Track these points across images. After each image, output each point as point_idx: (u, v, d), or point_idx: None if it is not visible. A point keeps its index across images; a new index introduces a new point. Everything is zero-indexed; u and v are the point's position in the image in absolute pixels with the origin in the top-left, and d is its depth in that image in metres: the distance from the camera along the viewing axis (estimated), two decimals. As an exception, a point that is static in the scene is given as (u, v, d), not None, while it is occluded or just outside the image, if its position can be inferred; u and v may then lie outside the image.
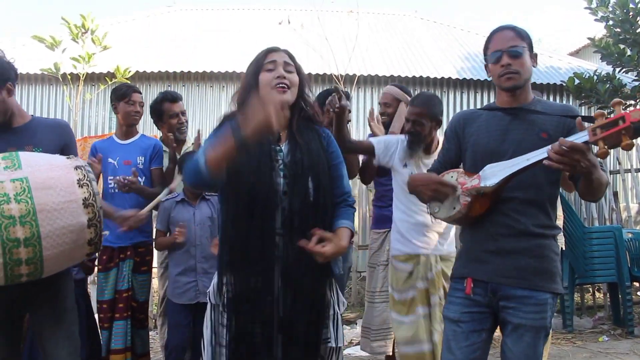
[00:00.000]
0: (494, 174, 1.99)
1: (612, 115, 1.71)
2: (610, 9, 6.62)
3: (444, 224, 3.10)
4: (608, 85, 6.60)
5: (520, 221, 2.04)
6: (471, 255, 2.16)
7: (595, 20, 6.82)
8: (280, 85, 2.04)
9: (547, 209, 2.09)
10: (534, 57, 2.16)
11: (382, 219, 3.73)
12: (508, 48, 2.08)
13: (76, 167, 2.22)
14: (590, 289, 6.38)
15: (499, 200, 2.05)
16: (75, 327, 2.53)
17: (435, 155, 3.10)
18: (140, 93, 3.66)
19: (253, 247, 1.96)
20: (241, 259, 1.99)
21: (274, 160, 2.01)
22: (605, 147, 1.70)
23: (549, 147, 1.81)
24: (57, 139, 2.50)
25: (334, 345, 2.09)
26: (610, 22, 6.67)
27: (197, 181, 1.93)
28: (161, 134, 3.75)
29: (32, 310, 2.45)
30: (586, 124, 1.80)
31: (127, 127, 3.61)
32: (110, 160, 3.48)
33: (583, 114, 1.72)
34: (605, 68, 7.47)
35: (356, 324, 5.62)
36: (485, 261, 2.09)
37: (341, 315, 2.19)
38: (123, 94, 3.57)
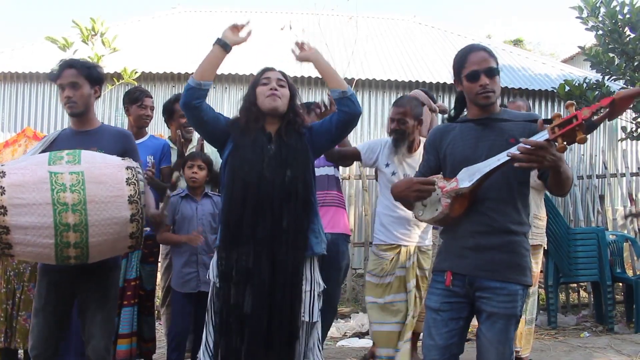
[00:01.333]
0: (469, 176, 2.23)
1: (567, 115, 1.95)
2: (600, 19, 6.73)
3: None
4: (597, 92, 6.72)
5: (496, 219, 2.27)
6: (451, 250, 2.38)
7: (586, 29, 6.93)
8: (272, 94, 2.59)
9: (518, 206, 2.31)
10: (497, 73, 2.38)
11: None
12: (485, 68, 2.27)
13: (127, 168, 2.54)
14: (577, 288, 6.60)
15: (476, 200, 2.28)
16: (113, 314, 2.88)
17: (416, 155, 3.47)
18: (152, 97, 3.90)
19: (245, 226, 2.44)
20: (234, 238, 2.46)
21: (266, 155, 2.51)
22: (564, 142, 1.94)
23: (516, 147, 2.05)
24: (118, 146, 2.84)
25: (307, 319, 2.50)
26: (600, 32, 6.78)
27: (189, 98, 2.52)
28: (169, 134, 3.99)
29: (83, 292, 2.76)
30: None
31: (138, 128, 3.84)
32: None
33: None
34: (595, 76, 7.62)
35: (350, 317, 5.86)
36: (464, 256, 2.30)
37: (318, 295, 2.59)
38: (136, 98, 3.84)
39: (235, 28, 2.64)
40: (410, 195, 2.36)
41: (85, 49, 5.87)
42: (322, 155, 3.73)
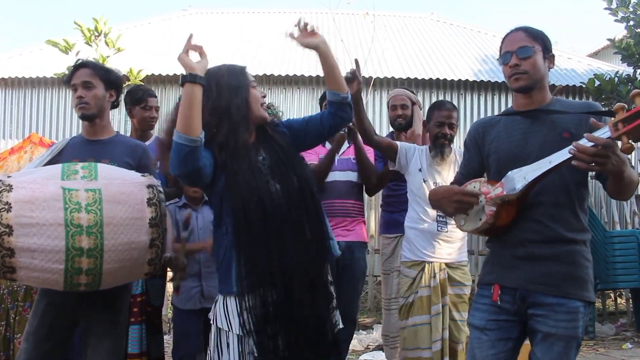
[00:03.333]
0: (517, 180, 1.93)
1: (633, 108, 1.62)
2: (631, 9, 6.51)
3: (454, 232, 3.13)
4: (630, 87, 6.48)
5: (550, 226, 1.97)
6: (499, 261, 2.09)
7: (616, 21, 6.71)
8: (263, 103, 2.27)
9: (577, 210, 2.01)
10: (549, 58, 2.09)
11: (393, 223, 3.73)
12: (517, 49, 2.04)
13: (148, 186, 2.28)
14: (612, 295, 6.26)
15: (526, 206, 1.98)
16: (123, 343, 2.59)
17: (449, 160, 3.22)
18: (156, 97, 3.65)
19: (269, 261, 2.03)
20: (260, 277, 2.03)
21: (263, 169, 2.13)
22: (630, 141, 1.63)
23: (571, 146, 1.73)
24: (133, 159, 2.60)
25: (341, 326, 2.26)
26: (631, 23, 6.55)
27: (185, 160, 1.95)
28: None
29: (87, 318, 2.45)
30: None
31: (142, 131, 3.61)
32: None
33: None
34: (626, 69, 7.35)
35: (372, 328, 5.57)
36: (513, 267, 2.02)
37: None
38: (139, 99, 3.57)
39: (191, 49, 2.11)
40: (448, 206, 2.10)
41: (89, 50, 5.69)
42: (349, 158, 3.50)
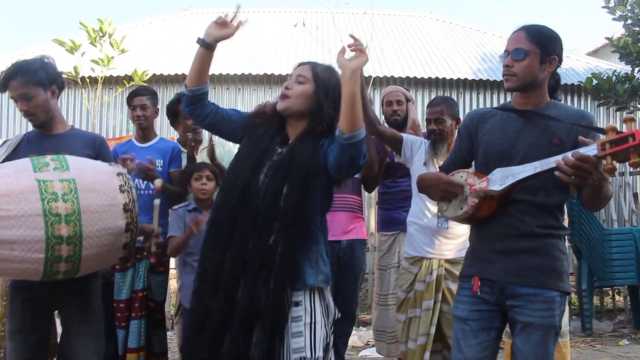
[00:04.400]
0: (502, 178, 2.01)
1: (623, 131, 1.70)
2: (629, 7, 6.51)
3: (454, 229, 3.14)
4: (627, 86, 6.49)
5: (527, 222, 2.05)
6: (478, 254, 2.18)
7: (614, 19, 6.70)
8: (282, 94, 2.24)
9: (555, 212, 2.10)
10: (550, 61, 2.08)
11: (390, 221, 3.76)
12: (513, 49, 2.08)
13: (118, 174, 2.34)
14: (610, 292, 6.30)
15: (506, 202, 2.06)
16: (100, 327, 2.62)
17: None
18: (143, 95, 3.65)
19: (225, 231, 2.12)
20: (216, 237, 2.15)
21: (268, 158, 2.17)
22: (613, 163, 1.71)
23: (558, 157, 1.82)
24: (91, 151, 2.62)
25: (308, 356, 2.06)
26: (629, 21, 6.55)
27: (183, 104, 2.34)
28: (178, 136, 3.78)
29: (62, 307, 2.54)
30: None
31: (142, 130, 3.64)
32: None
33: (601, 115, 1.72)
34: (624, 68, 7.38)
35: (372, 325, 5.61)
36: (492, 260, 2.10)
37: (324, 328, 2.15)
38: (127, 101, 3.67)
39: (221, 22, 2.26)
40: (435, 192, 2.22)
41: (94, 50, 5.74)
42: None
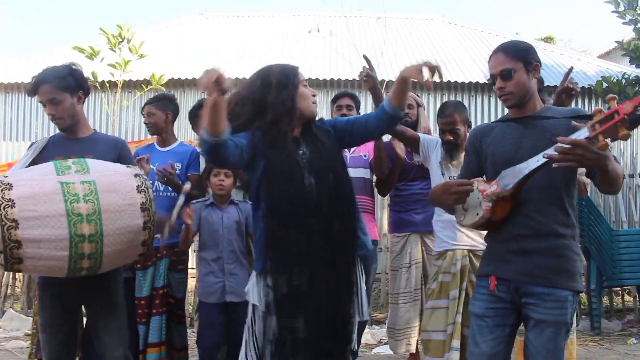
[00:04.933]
0: (509, 177, 2.14)
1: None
2: (639, 12, 6.53)
3: None
4: (637, 88, 6.55)
5: (540, 221, 2.16)
6: (495, 254, 2.29)
7: (623, 23, 6.72)
8: (315, 101, 2.48)
9: (566, 207, 2.20)
10: (534, 68, 2.24)
11: (401, 223, 3.87)
12: (499, 72, 2.22)
13: (135, 175, 2.48)
14: (620, 292, 6.37)
15: (519, 202, 2.18)
16: (124, 319, 2.77)
17: (464, 156, 3.28)
18: (151, 103, 3.81)
19: (296, 247, 2.25)
20: (286, 260, 2.27)
21: (301, 162, 2.33)
22: (606, 140, 1.84)
23: (552, 147, 1.96)
24: (113, 154, 2.76)
25: (359, 319, 2.39)
26: (639, 25, 6.59)
27: (210, 153, 2.20)
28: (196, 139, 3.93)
29: (88, 303, 2.69)
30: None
31: (156, 135, 3.81)
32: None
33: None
34: (635, 71, 7.43)
35: (385, 323, 5.72)
36: (508, 260, 2.21)
37: (365, 292, 2.47)
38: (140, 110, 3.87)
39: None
40: (448, 198, 2.28)
41: (113, 55, 5.90)
42: (361, 156, 3.70)
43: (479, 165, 2.40)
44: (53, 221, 2.24)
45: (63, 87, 2.65)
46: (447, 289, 3.24)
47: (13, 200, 2.22)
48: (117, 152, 2.80)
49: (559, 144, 1.91)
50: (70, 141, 2.76)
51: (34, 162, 2.66)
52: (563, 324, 2.14)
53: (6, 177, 2.34)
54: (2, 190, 2.24)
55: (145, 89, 6.23)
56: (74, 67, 2.76)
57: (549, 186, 2.17)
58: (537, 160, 2.06)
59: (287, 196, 2.27)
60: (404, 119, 3.85)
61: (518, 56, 2.22)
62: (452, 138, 3.31)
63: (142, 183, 2.47)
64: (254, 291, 2.34)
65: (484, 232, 3.21)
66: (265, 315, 2.28)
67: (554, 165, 1.94)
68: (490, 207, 2.17)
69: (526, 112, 2.27)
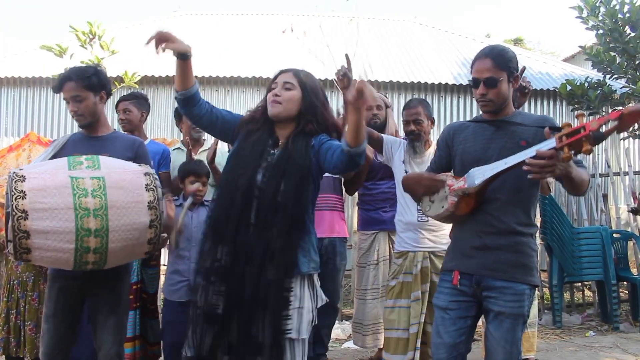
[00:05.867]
0: (477, 176, 2.27)
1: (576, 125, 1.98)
2: (600, 18, 6.74)
3: (435, 221, 3.30)
4: (598, 92, 6.78)
5: (503, 220, 2.30)
6: (458, 250, 2.42)
7: (587, 29, 6.95)
8: (273, 100, 2.46)
9: (528, 208, 2.35)
10: (514, 79, 2.35)
11: (369, 221, 3.99)
12: (484, 78, 2.30)
13: (145, 174, 2.54)
14: (581, 287, 6.59)
15: (483, 200, 2.32)
16: (125, 319, 2.86)
17: (428, 153, 3.45)
18: (127, 100, 3.90)
19: (228, 227, 2.34)
20: (216, 236, 2.37)
21: (264, 160, 2.40)
22: (570, 152, 1.98)
23: (524, 152, 2.11)
24: (129, 153, 2.83)
25: (294, 336, 2.33)
26: (601, 31, 6.79)
27: (181, 107, 2.56)
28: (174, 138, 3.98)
29: (92, 296, 2.73)
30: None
31: (128, 132, 3.83)
32: None
33: (575, 121, 1.99)
34: (597, 75, 7.63)
35: (355, 319, 5.83)
36: (471, 256, 2.35)
37: (310, 312, 2.42)
38: (115, 106, 3.96)
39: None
40: (419, 188, 2.44)
41: (84, 53, 5.87)
42: None
43: (448, 161, 2.52)
44: (61, 214, 2.29)
45: (87, 86, 2.77)
46: (409, 290, 3.36)
47: (25, 192, 2.28)
48: (133, 151, 2.86)
49: (531, 159, 2.03)
50: (89, 139, 2.85)
51: (54, 157, 2.73)
52: (520, 315, 2.28)
53: (21, 169, 2.41)
54: (15, 182, 2.30)
55: (118, 86, 6.21)
56: (98, 67, 2.95)
57: (514, 188, 2.30)
58: (505, 163, 2.19)
59: (233, 183, 2.39)
60: (374, 120, 3.99)
61: (503, 66, 2.30)
62: (414, 128, 3.44)
63: (152, 182, 2.51)
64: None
65: (444, 234, 3.36)
66: (196, 284, 2.43)
67: (529, 176, 2.05)
68: (455, 202, 2.31)
69: (499, 115, 2.39)
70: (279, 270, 2.29)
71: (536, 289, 2.41)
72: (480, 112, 2.50)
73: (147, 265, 3.66)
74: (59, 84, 2.79)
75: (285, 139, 2.46)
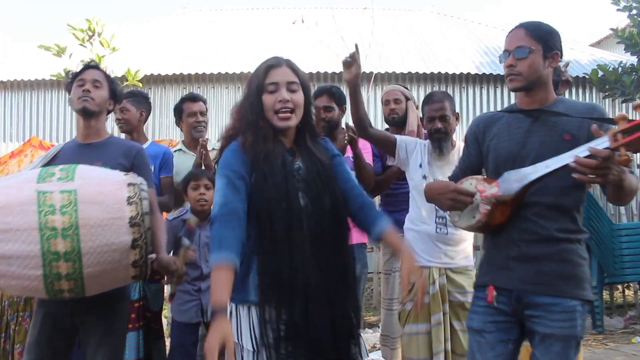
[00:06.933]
0: (513, 181, 1.93)
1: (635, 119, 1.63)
2: (633, -3, 6.49)
3: (455, 234, 2.94)
4: (633, 77, 6.46)
5: (544, 226, 1.95)
6: (492, 262, 2.09)
7: (618, 10, 6.68)
8: (283, 111, 1.94)
9: (573, 213, 1.99)
10: (552, 56, 2.01)
11: (394, 223, 3.61)
12: (514, 48, 2.01)
13: (129, 184, 2.19)
14: (620, 287, 6.22)
15: (520, 206, 1.97)
16: (120, 349, 2.51)
17: (450, 156, 3.03)
18: (125, 98, 3.55)
19: (297, 281, 1.85)
20: (284, 290, 1.85)
21: (297, 180, 1.95)
22: (627, 154, 1.62)
23: (570, 153, 1.76)
24: (127, 160, 2.55)
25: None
26: (634, 12, 6.52)
27: None
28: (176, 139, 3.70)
29: (81, 324, 2.43)
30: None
31: (127, 133, 3.59)
32: None
33: (607, 109, 1.62)
34: (630, 59, 7.31)
35: (378, 327, 5.52)
36: (507, 268, 2.01)
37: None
38: None
39: None
40: (443, 201, 2.10)
41: (84, 51, 5.66)
42: (348, 157, 3.46)
43: (479, 159, 2.19)
44: (24, 235, 1.99)
45: (109, 82, 2.64)
46: (428, 312, 2.91)
47: None
48: (129, 159, 2.58)
49: (580, 156, 1.69)
50: (82, 147, 2.60)
51: None
52: (573, 337, 1.93)
53: None
54: None
55: (121, 85, 5.97)
56: (119, 85, 2.82)
57: (557, 190, 1.95)
58: (547, 166, 1.85)
59: (281, 213, 1.87)
60: (392, 115, 3.67)
61: (539, 37, 2.00)
62: (441, 126, 2.98)
63: (136, 194, 2.15)
64: (233, 327, 1.91)
65: (463, 249, 3.01)
66: (255, 354, 1.87)
67: (575, 175, 1.71)
68: (488, 211, 1.97)
69: (536, 102, 2.05)
70: (351, 283, 2.02)
71: (590, 304, 2.02)
72: (514, 101, 2.16)
73: (151, 281, 3.33)
74: (83, 68, 2.63)
75: (297, 146, 2.03)
